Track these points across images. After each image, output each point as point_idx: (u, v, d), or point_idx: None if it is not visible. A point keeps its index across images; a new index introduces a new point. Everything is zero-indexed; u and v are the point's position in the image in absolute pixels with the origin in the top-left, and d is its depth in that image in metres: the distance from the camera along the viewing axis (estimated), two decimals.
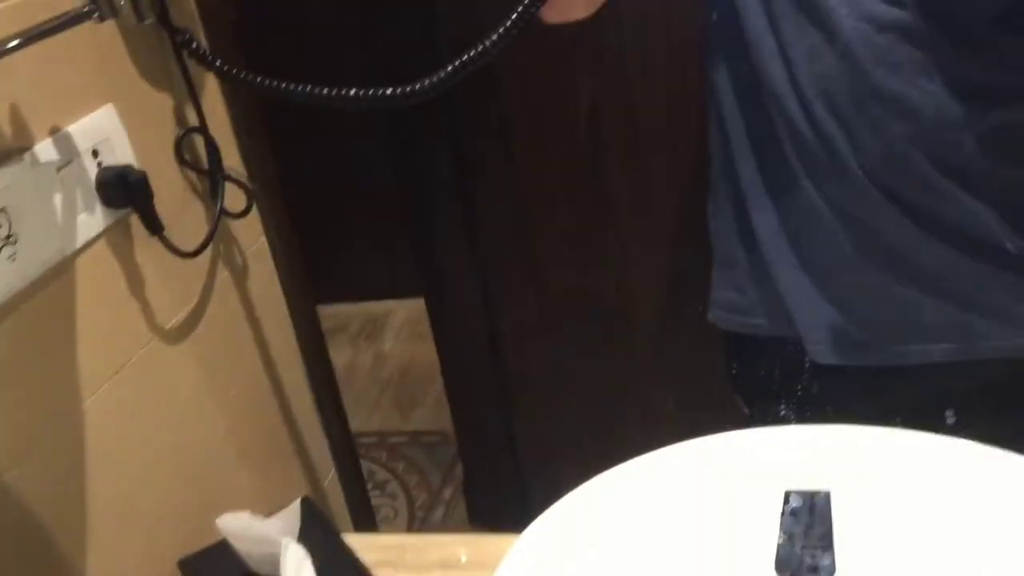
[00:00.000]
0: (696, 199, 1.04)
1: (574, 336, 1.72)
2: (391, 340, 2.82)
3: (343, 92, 0.76)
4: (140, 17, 0.70)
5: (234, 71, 0.83)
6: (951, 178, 0.83)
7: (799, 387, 0.97)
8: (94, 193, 0.79)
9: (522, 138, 1.56)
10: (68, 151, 0.77)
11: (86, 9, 0.70)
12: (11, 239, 0.71)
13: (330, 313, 2.91)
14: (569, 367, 1.76)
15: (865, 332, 0.91)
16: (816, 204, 0.88)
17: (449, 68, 0.72)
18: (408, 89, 0.74)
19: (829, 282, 0.91)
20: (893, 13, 0.79)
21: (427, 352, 2.09)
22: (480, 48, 0.72)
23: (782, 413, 1.00)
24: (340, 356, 2.72)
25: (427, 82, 0.73)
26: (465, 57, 0.72)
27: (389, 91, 0.74)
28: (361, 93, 0.76)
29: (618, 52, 1.43)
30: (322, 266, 2.82)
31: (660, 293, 1.63)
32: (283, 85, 0.78)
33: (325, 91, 0.77)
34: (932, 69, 0.80)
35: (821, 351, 0.93)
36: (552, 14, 0.90)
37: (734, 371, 1.07)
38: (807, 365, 0.95)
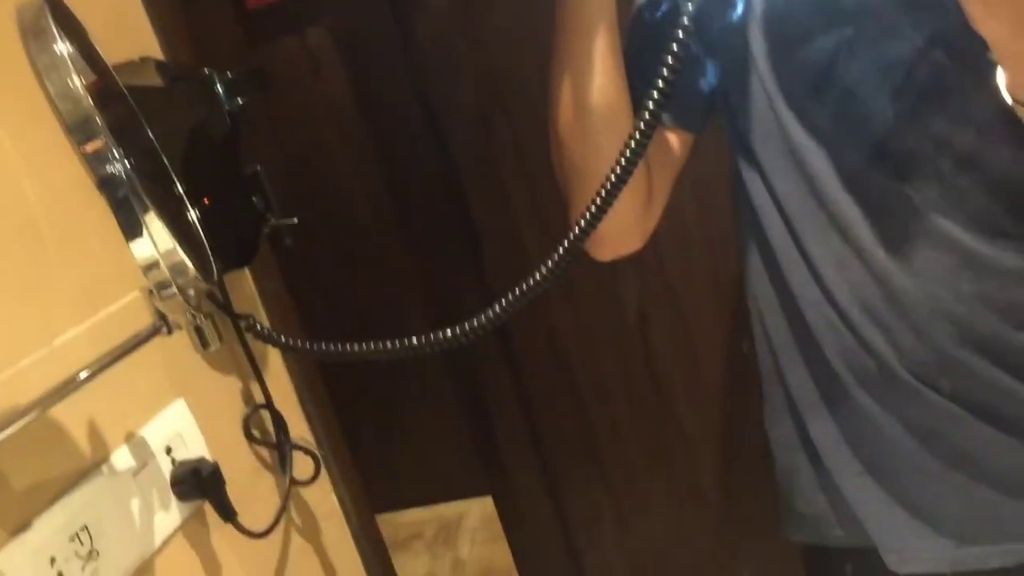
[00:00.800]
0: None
1: (652, 531, 1.69)
2: (467, 544, 2.78)
3: (405, 342, 0.79)
4: (205, 345, 0.74)
5: (300, 343, 0.86)
6: (1011, 374, 0.82)
7: None
8: (169, 491, 0.82)
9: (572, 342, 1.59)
10: (143, 454, 0.80)
11: (155, 326, 0.75)
12: (92, 555, 0.73)
13: (404, 521, 2.89)
14: (648, 563, 1.71)
15: (943, 538, 0.88)
16: (872, 412, 0.87)
17: (503, 302, 0.74)
18: (466, 327, 0.76)
19: (900, 488, 0.89)
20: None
21: (506, 553, 2.05)
22: (531, 282, 0.74)
23: None
24: (420, 565, 2.69)
25: (483, 318, 0.75)
26: (517, 291, 0.74)
27: (448, 333, 0.77)
28: (423, 339, 0.78)
29: (658, 258, 1.47)
30: (395, 473, 2.85)
31: (727, 490, 1.60)
32: (347, 347, 0.81)
33: (388, 345, 0.79)
34: (966, 271, 0.80)
35: (898, 560, 0.90)
36: (604, 252, 0.93)
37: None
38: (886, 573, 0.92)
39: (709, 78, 0.89)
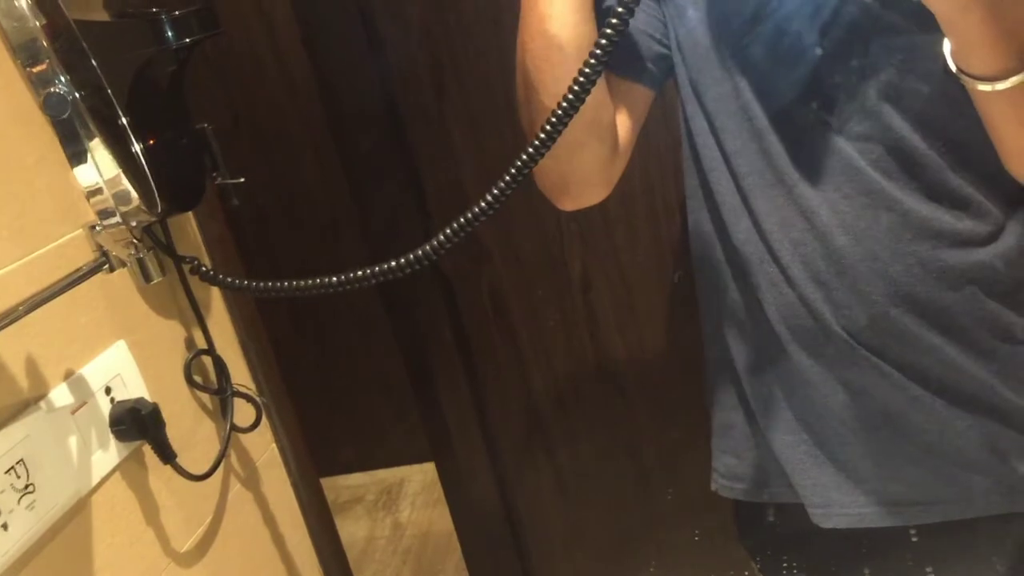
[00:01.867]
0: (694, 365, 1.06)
1: (590, 495, 1.72)
2: (408, 508, 2.80)
3: (350, 275, 0.79)
4: (147, 278, 0.74)
5: (245, 283, 0.86)
6: (943, 335, 0.85)
7: (804, 548, 0.97)
8: (108, 430, 0.82)
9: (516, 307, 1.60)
10: (82, 393, 0.80)
11: (96, 264, 0.75)
12: (29, 488, 0.73)
13: (346, 484, 2.90)
14: (587, 525, 1.75)
15: (865, 495, 0.92)
16: (806, 369, 0.90)
17: (451, 228, 0.75)
18: (411, 257, 0.77)
19: (827, 445, 0.92)
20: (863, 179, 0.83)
21: (446, 517, 2.07)
22: (479, 207, 0.74)
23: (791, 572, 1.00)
24: (359, 528, 2.69)
25: (424, 248, 0.76)
26: (464, 218, 0.75)
27: (393, 263, 0.78)
28: (365, 272, 0.79)
29: (604, 223, 1.48)
30: (336, 438, 2.85)
31: (669, 456, 1.64)
32: (292, 283, 0.82)
33: (333, 279, 0.80)
34: (905, 232, 0.83)
35: (822, 515, 0.93)
36: (569, 201, 0.94)
37: (742, 530, 1.07)
38: (811, 528, 0.95)
39: (665, 38, 0.90)
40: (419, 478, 2.89)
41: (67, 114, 0.51)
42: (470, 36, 1.42)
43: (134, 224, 0.59)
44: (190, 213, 0.97)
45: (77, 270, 0.74)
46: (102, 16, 0.76)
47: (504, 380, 1.67)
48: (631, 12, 0.66)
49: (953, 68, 0.75)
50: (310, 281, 0.81)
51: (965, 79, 0.74)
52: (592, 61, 0.68)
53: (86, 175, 0.54)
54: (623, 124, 0.91)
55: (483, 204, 0.73)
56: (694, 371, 1.07)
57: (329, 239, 2.57)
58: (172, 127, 0.84)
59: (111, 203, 0.56)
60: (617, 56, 0.87)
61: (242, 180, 0.95)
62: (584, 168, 0.90)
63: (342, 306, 2.62)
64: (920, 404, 0.87)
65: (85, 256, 0.77)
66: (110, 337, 0.84)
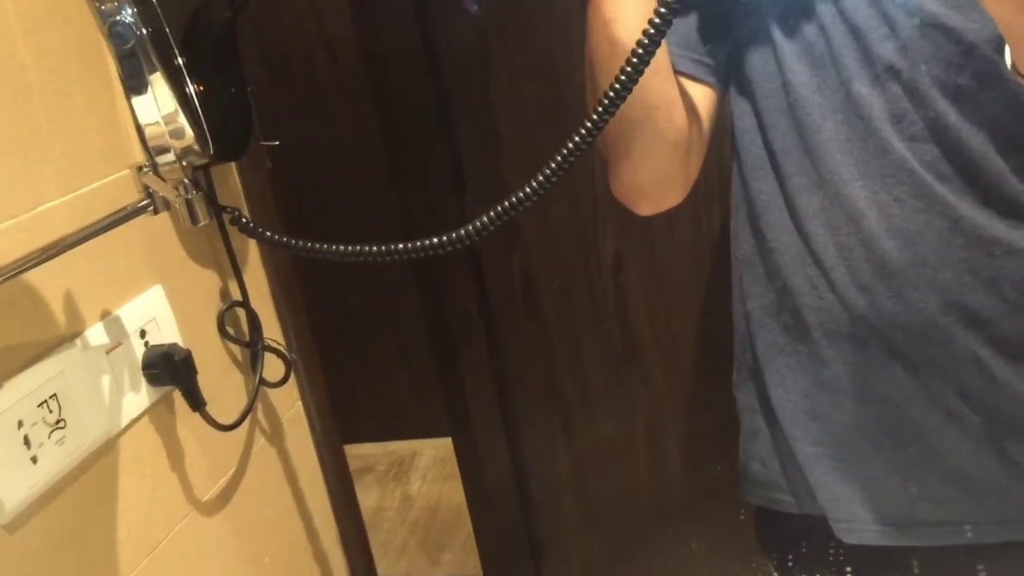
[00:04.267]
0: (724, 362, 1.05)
1: (606, 482, 1.71)
2: (418, 481, 2.81)
3: (390, 247, 0.79)
4: (194, 220, 0.74)
5: (284, 239, 0.86)
6: (990, 346, 0.83)
7: (829, 559, 0.96)
8: (140, 373, 0.82)
9: (545, 284, 1.59)
10: (117, 334, 0.80)
11: (141, 204, 0.74)
12: (60, 423, 0.73)
13: (359, 453, 2.91)
14: (599, 515, 1.74)
15: (890, 511, 0.90)
16: (838, 379, 0.88)
17: (484, 217, 0.75)
18: (452, 236, 0.77)
19: (853, 459, 0.90)
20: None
21: (456, 493, 2.07)
22: (512, 199, 0.74)
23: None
24: (368, 498, 2.70)
25: (465, 230, 0.76)
26: (499, 207, 0.75)
27: (430, 240, 0.77)
28: (405, 246, 0.79)
29: None
30: (353, 405, 2.86)
31: (687, 448, 1.63)
32: (333, 247, 0.82)
33: (373, 248, 0.80)
34: (957, 238, 0.81)
35: (845, 530, 0.91)
36: (646, 205, 0.93)
37: (764, 537, 1.06)
38: (835, 541, 0.93)
39: (728, 39, 0.89)
40: (431, 453, 2.89)
41: (131, 44, 0.51)
42: (520, 7, 1.41)
43: (185, 164, 0.58)
44: (232, 165, 0.96)
45: (122, 209, 0.73)
46: None
47: (528, 359, 1.66)
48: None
49: (1009, 69, 0.72)
50: (350, 248, 0.80)
51: None
52: (640, 51, 0.67)
53: (145, 108, 0.54)
54: (694, 122, 0.89)
55: (528, 190, 0.73)
56: (721, 366, 1.06)
57: (359, 209, 2.57)
58: (222, 74, 0.84)
59: (167, 139, 0.56)
60: (681, 55, 0.87)
61: (276, 143, 0.95)
62: (660, 170, 0.89)
63: (368, 277, 2.62)
64: (957, 421, 0.85)
65: (130, 196, 0.77)
66: (148, 280, 0.84)
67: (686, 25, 0.88)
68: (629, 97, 0.69)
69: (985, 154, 0.79)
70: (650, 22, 0.66)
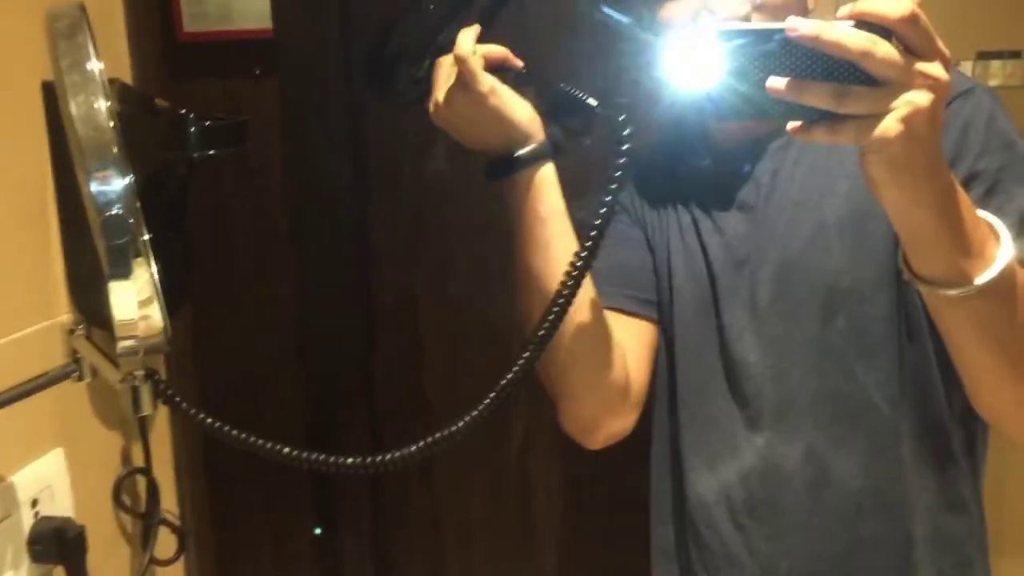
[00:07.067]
0: None
1: None
2: None
3: (295, 453, 0.74)
4: (137, 409, 0.66)
5: (203, 418, 0.79)
6: None
7: None
8: (24, 550, 0.73)
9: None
10: (7, 504, 0.72)
11: (66, 371, 0.68)
12: None
13: None
14: None
15: None
16: None
17: (414, 448, 0.73)
18: (356, 460, 0.73)
19: None
20: None
21: None
22: (448, 432, 0.73)
23: None
24: None
25: (382, 458, 0.73)
26: (430, 439, 0.73)
27: (342, 460, 0.73)
28: (319, 457, 0.73)
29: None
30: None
31: None
32: (250, 438, 0.75)
33: (285, 450, 0.74)
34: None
35: None
36: (596, 439, 0.92)
37: None
38: None
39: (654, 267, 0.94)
40: None
41: (126, 239, 0.46)
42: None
43: (143, 353, 0.53)
44: None
45: (43, 374, 0.67)
46: (135, 110, 0.73)
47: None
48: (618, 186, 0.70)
49: (905, 275, 0.69)
50: (268, 445, 0.74)
51: (920, 285, 0.68)
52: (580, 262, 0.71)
53: (122, 294, 0.48)
54: (631, 355, 0.91)
55: (453, 429, 0.72)
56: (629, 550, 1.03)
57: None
58: (168, 232, 0.80)
59: (136, 327, 0.50)
60: (612, 293, 0.89)
61: None
62: (599, 401, 0.88)
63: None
64: None
65: (52, 356, 0.70)
66: (49, 443, 0.77)
67: (619, 262, 0.91)
68: (562, 337, 0.69)
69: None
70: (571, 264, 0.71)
